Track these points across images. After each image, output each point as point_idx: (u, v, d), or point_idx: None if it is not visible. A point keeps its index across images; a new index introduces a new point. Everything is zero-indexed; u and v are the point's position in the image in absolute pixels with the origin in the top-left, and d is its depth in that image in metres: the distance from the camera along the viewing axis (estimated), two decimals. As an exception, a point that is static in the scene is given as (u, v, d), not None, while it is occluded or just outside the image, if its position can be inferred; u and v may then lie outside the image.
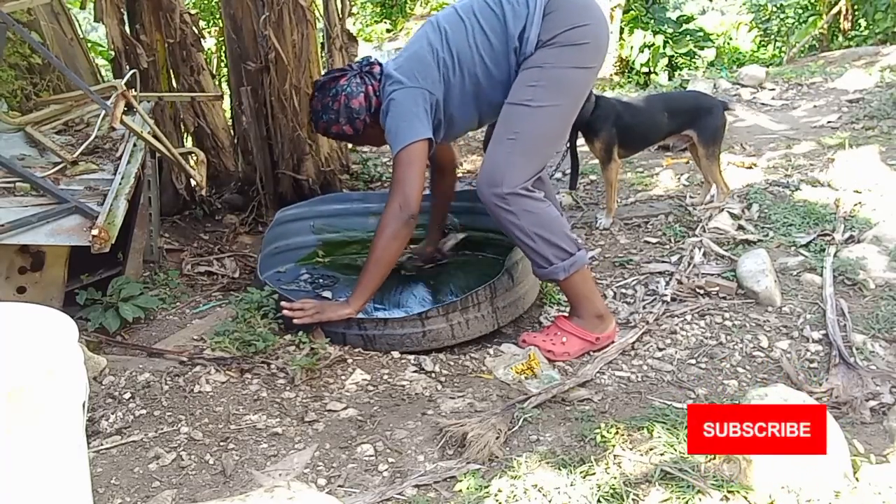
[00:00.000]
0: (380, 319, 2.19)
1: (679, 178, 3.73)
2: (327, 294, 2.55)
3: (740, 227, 2.95)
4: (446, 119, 2.25)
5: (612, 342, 2.18)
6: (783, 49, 9.89)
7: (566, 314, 2.24)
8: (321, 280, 2.67)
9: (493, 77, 2.18)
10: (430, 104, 2.16)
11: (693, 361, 2.07)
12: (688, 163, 3.85)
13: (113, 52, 3.17)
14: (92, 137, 2.42)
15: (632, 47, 8.60)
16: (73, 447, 1.03)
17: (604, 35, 2.17)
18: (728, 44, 10.82)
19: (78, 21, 3.51)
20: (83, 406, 1.03)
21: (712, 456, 1.49)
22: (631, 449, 1.58)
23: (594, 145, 3.03)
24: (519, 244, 2.15)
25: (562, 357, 2.13)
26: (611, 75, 8.87)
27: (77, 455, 1.04)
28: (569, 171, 3.35)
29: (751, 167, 3.77)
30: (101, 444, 1.66)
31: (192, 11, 3.71)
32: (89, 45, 4.30)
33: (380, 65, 2.28)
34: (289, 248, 2.84)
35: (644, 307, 2.39)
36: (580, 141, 3.15)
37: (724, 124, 3.13)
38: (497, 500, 1.45)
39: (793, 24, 10.02)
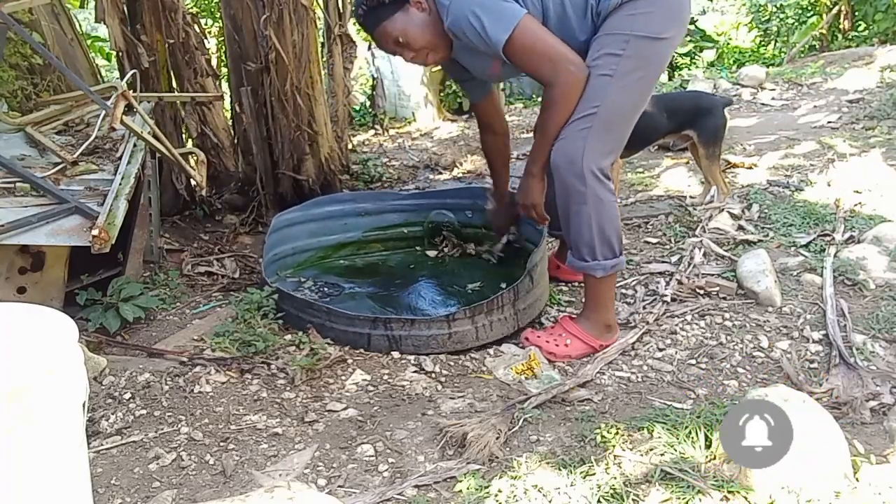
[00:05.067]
0: (406, 320, 2.16)
1: (679, 179, 3.73)
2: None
3: (740, 228, 2.95)
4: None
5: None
6: (783, 49, 9.88)
7: (571, 315, 2.22)
8: (325, 289, 2.67)
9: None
10: None
11: (693, 362, 2.07)
12: (688, 163, 3.85)
13: (115, 52, 3.18)
14: (92, 138, 2.42)
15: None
16: (74, 447, 1.02)
17: (689, 5, 2.07)
18: (728, 44, 10.81)
19: (78, 20, 3.51)
20: (83, 406, 1.03)
21: (712, 456, 1.50)
22: (631, 449, 1.58)
23: None
24: (573, 226, 2.05)
25: (563, 359, 2.11)
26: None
27: (77, 455, 1.04)
28: None
29: (751, 167, 3.77)
30: (101, 445, 1.66)
31: (193, 11, 3.71)
32: (93, 41, 4.32)
33: None
34: (286, 255, 2.84)
35: (644, 307, 2.39)
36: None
37: (725, 124, 3.12)
38: (497, 501, 1.45)
39: (793, 24, 10.01)
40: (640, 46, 1.94)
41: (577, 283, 2.62)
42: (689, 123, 3.07)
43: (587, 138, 1.96)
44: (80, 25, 3.51)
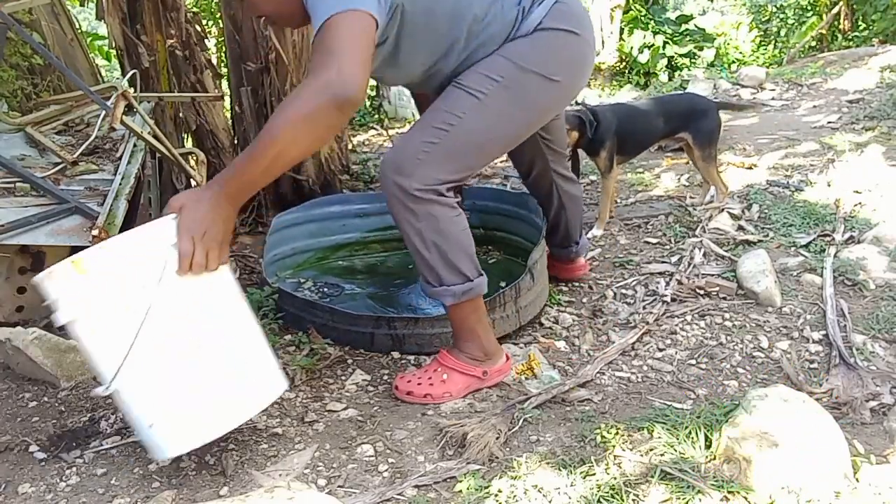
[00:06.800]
0: (410, 319, 2.15)
1: (679, 179, 3.74)
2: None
3: (740, 228, 2.95)
4: (406, 27, 1.68)
5: (506, 375, 1.95)
6: (783, 50, 9.90)
7: (448, 347, 1.96)
8: (325, 289, 2.67)
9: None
10: None
11: (693, 362, 2.07)
12: (687, 163, 3.85)
13: (115, 52, 3.18)
14: (92, 138, 2.42)
15: (632, 47, 8.61)
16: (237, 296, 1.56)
17: (591, 55, 1.90)
18: (728, 44, 10.82)
19: (78, 20, 3.52)
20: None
21: (712, 456, 1.50)
22: (631, 449, 1.58)
23: (599, 157, 3.01)
24: (410, 249, 1.80)
25: (443, 398, 1.86)
26: (611, 72, 8.87)
27: (239, 295, 1.56)
28: None
29: (751, 167, 3.77)
30: (101, 445, 1.66)
31: (194, 10, 3.72)
32: (93, 38, 4.32)
33: None
34: (286, 255, 2.83)
35: (644, 307, 2.39)
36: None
37: (720, 126, 3.12)
38: (497, 501, 1.45)
39: (793, 24, 10.03)
40: (524, 81, 1.74)
41: (576, 283, 2.62)
42: (684, 126, 3.07)
43: (429, 153, 1.71)
44: (79, 24, 3.51)
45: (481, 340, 1.90)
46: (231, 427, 1.50)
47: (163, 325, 1.35)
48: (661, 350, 2.15)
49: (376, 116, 6.51)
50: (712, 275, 2.55)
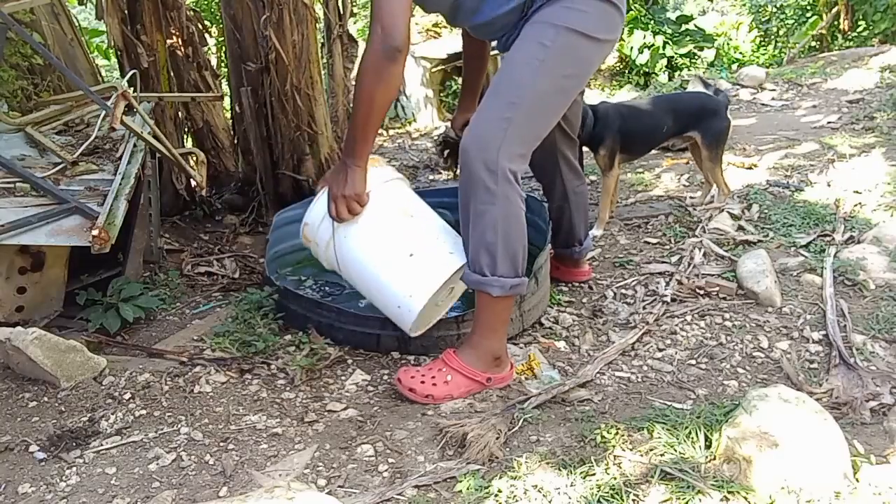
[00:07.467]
0: None
1: (679, 179, 3.74)
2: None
3: (740, 228, 2.95)
4: None
5: (507, 383, 1.94)
6: (783, 50, 9.90)
7: (455, 348, 1.94)
8: (326, 288, 2.66)
9: None
10: None
11: (693, 362, 2.07)
12: (688, 163, 3.85)
13: (115, 51, 3.18)
14: (92, 138, 2.42)
15: (632, 48, 8.60)
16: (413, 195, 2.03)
17: (621, 18, 1.94)
18: (728, 44, 10.82)
19: (78, 20, 3.52)
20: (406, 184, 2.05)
21: (712, 456, 1.50)
22: (631, 449, 1.58)
23: (599, 154, 3.00)
24: (474, 230, 1.82)
25: (443, 400, 1.86)
26: (611, 72, 8.87)
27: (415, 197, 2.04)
28: None
29: (751, 168, 3.77)
30: (101, 445, 1.66)
31: (194, 10, 3.72)
32: (92, 35, 4.31)
33: None
34: (286, 252, 2.83)
35: (644, 307, 2.39)
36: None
37: (729, 126, 3.11)
38: (497, 501, 1.45)
39: (792, 24, 10.02)
40: (571, 41, 1.81)
41: (576, 283, 2.62)
42: (694, 125, 3.06)
43: (507, 129, 1.77)
44: (78, 23, 3.51)
45: (498, 342, 1.90)
46: (446, 277, 1.88)
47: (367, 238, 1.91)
48: (661, 350, 2.15)
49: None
50: (712, 275, 2.55)
